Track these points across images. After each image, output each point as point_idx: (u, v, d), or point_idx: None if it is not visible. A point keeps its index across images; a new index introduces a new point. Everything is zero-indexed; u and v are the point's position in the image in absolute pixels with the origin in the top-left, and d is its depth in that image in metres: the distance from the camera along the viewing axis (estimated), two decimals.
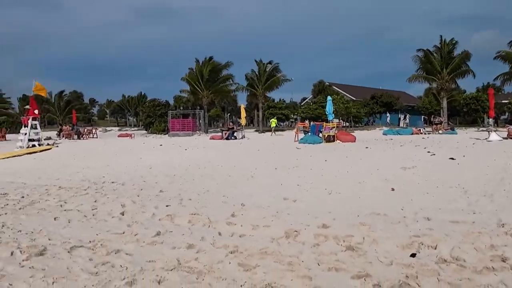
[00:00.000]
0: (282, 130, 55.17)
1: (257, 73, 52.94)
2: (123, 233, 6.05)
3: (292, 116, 63.34)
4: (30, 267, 4.61)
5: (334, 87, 66.32)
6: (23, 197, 9.44)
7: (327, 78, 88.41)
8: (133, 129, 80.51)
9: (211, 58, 50.80)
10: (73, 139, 34.32)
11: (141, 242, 5.55)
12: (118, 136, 44.00)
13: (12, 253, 5.11)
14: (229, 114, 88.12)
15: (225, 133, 28.98)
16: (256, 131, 46.13)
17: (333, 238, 5.53)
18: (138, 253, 5.08)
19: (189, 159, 16.89)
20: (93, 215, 7.41)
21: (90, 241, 5.60)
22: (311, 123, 28.96)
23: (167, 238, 5.74)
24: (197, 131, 43.99)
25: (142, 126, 62.75)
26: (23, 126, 24.92)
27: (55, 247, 5.35)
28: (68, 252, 5.14)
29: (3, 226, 6.66)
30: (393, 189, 8.94)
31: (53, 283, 4.12)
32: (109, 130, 76.09)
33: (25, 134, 23.61)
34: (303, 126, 29.53)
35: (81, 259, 4.86)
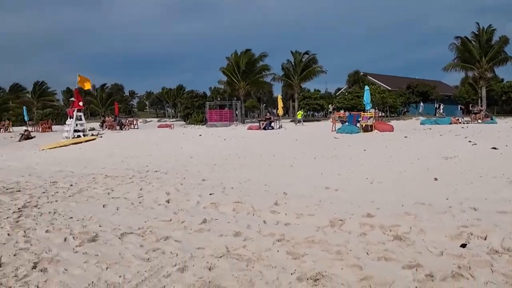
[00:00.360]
0: (318, 121, 54.71)
1: (293, 63, 52.47)
2: (170, 220, 6.08)
3: (328, 106, 62.48)
4: (83, 253, 4.67)
5: (370, 77, 64.98)
6: (71, 185, 9.65)
7: (362, 68, 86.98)
8: (171, 120, 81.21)
9: (248, 50, 50.62)
10: (115, 129, 34.85)
11: (188, 229, 5.56)
12: (158, 127, 44.42)
13: (65, 239, 5.20)
14: (264, 105, 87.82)
15: (263, 124, 28.83)
16: (291, 121, 45.77)
17: (379, 228, 5.39)
18: (187, 240, 5.08)
19: (228, 149, 16.89)
20: (140, 202, 7.49)
21: (139, 228, 5.64)
22: (348, 113, 28.48)
23: (214, 225, 5.73)
24: (234, 122, 43.99)
25: (181, 117, 63.22)
26: (68, 117, 25.47)
27: (106, 234, 5.41)
28: (119, 238, 5.19)
29: (54, 212, 6.80)
30: (436, 179, 8.67)
31: (106, 268, 4.15)
32: (149, 121, 77.01)
33: (71, 125, 24.16)
34: (340, 116, 29.11)
35: (132, 245, 4.90)
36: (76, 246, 4.90)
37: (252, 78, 50.20)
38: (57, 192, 8.73)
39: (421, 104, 58.67)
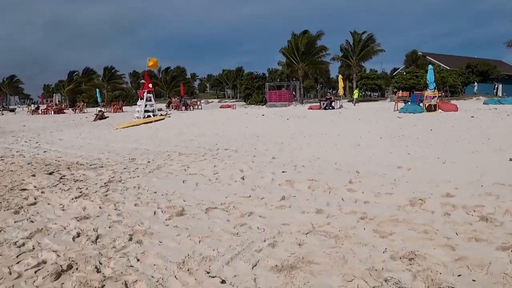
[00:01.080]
0: (376, 101, 53.41)
1: (351, 43, 51.29)
2: (250, 196, 6.03)
3: (385, 86, 60.69)
4: (174, 226, 4.70)
5: (428, 57, 62.39)
6: (149, 161, 9.85)
7: (419, 47, 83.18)
8: (231, 101, 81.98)
9: (306, 31, 50.00)
10: (181, 110, 35.55)
11: (269, 205, 5.49)
12: (220, 107, 44.92)
13: (154, 213, 5.27)
14: (321, 85, 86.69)
15: (323, 103, 28.45)
16: (349, 101, 44.85)
17: (461, 208, 5.10)
18: (270, 216, 5.01)
19: (292, 128, 16.73)
20: (216, 179, 7.51)
21: (221, 203, 5.64)
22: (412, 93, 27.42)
23: (293, 202, 5.63)
24: (293, 102, 43.72)
25: (242, 98, 63.47)
26: (139, 98, 26.19)
27: (192, 208, 5.44)
28: (205, 213, 5.20)
29: (139, 187, 6.95)
30: (511, 159, 8.14)
31: (199, 242, 4.15)
32: (210, 102, 78.13)
33: (141, 106, 24.81)
34: (403, 96, 28.14)
35: (219, 220, 4.89)
36: (166, 220, 4.94)
37: (311, 59, 49.53)
38: (137, 168, 8.94)
39: (475, 84, 55.52)
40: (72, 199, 6.20)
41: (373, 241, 4.07)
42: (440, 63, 58.31)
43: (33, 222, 5.04)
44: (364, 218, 4.82)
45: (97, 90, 47.09)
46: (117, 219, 5.01)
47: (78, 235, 4.48)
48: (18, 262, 3.76)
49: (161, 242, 4.18)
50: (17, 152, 12.80)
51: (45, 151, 12.73)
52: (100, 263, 3.68)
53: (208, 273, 3.42)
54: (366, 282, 3.24)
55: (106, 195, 6.37)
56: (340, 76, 37.29)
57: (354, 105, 37.17)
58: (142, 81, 26.33)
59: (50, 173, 8.62)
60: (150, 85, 25.65)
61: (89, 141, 15.65)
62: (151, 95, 25.87)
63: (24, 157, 11.57)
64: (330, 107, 28.22)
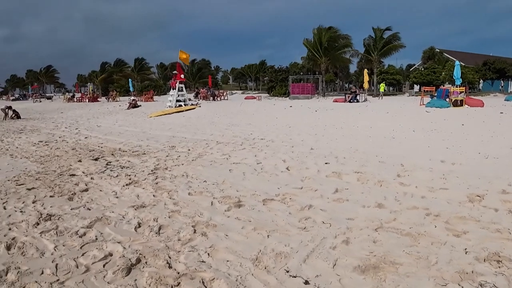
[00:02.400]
0: (394, 95, 52.38)
1: (373, 39, 50.21)
2: (302, 188, 5.63)
3: (403, 81, 59.52)
4: (235, 218, 4.33)
5: (445, 54, 60.75)
6: (189, 149, 9.53)
7: (435, 44, 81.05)
8: (254, 92, 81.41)
9: (330, 27, 49.04)
10: (208, 100, 35.26)
11: (325, 198, 5.09)
12: (245, 98, 44.44)
13: (211, 203, 4.91)
14: (340, 80, 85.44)
15: (348, 96, 27.81)
16: (370, 95, 43.93)
17: None
18: (330, 209, 4.61)
19: (322, 119, 16.25)
20: (261, 169, 7.12)
21: (276, 195, 5.24)
22: (439, 87, 26.61)
23: (348, 195, 5.21)
24: (316, 95, 43.07)
25: (265, 90, 62.74)
26: (171, 89, 25.94)
27: (247, 199, 5.07)
28: (263, 204, 4.81)
29: (187, 175, 6.61)
30: None
31: (268, 236, 3.77)
32: (234, 93, 77.70)
33: (173, 95, 24.54)
34: (429, 91, 27.27)
35: (280, 212, 4.51)
36: (225, 211, 4.58)
37: (334, 54, 48.59)
38: (179, 156, 8.61)
39: (501, 81, 53.91)
40: (123, 186, 5.90)
41: (449, 240, 3.64)
42: (456, 60, 56.71)
43: (89, 210, 4.75)
44: (429, 215, 4.39)
45: (130, 80, 47.07)
46: (175, 209, 4.67)
47: (139, 225, 4.15)
48: (83, 254, 3.44)
49: (227, 235, 3.81)
50: (59, 137, 12.64)
51: (86, 137, 12.54)
52: (169, 257, 3.33)
53: (287, 272, 3.04)
54: (462, 287, 2.83)
55: (156, 183, 6.05)
56: (366, 71, 36.34)
57: (381, 98, 36.41)
58: (175, 72, 26.02)
59: (96, 159, 8.37)
60: (182, 76, 25.33)
61: (126, 128, 15.44)
62: (182, 85, 25.57)
63: (67, 142, 11.38)
64: (355, 100, 27.57)
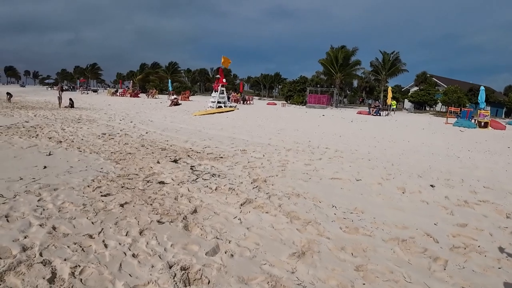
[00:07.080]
0: (400, 110, 50.45)
1: (381, 61, 48.46)
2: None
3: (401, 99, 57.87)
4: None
5: (434, 78, 58.78)
6: (263, 155, 7.76)
7: (421, 68, 78.44)
8: (269, 99, 79.46)
9: (343, 46, 47.25)
10: (239, 103, 33.51)
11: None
12: (267, 104, 42.60)
13: (393, 251, 3.11)
14: (346, 93, 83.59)
15: (373, 110, 25.95)
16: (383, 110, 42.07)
17: None
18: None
19: (364, 131, 14.44)
20: (359, 186, 5.37)
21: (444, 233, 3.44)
22: (462, 109, 24.83)
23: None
24: (330, 105, 41.18)
25: (283, 98, 60.59)
26: (213, 91, 24.21)
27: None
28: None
29: (298, 194, 4.85)
30: None
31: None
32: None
33: (215, 97, 22.84)
34: (455, 111, 25.21)
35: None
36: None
37: (348, 71, 46.73)
38: (263, 164, 6.76)
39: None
40: (240, 206, 4.12)
41: None
42: (443, 85, 54.99)
43: (232, 256, 2.93)
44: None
45: (169, 80, 45.75)
46: (342, 257, 2.88)
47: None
48: None
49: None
50: (121, 130, 10.95)
51: (147, 132, 10.82)
52: None
53: None
54: None
55: (280, 205, 4.25)
56: (390, 88, 34.28)
57: (394, 113, 34.51)
58: (218, 76, 24.25)
59: (175, 161, 6.63)
60: (224, 80, 23.56)
61: (179, 125, 13.68)
62: (223, 88, 23.81)
63: (131, 137, 9.67)
64: (378, 114, 25.69)
